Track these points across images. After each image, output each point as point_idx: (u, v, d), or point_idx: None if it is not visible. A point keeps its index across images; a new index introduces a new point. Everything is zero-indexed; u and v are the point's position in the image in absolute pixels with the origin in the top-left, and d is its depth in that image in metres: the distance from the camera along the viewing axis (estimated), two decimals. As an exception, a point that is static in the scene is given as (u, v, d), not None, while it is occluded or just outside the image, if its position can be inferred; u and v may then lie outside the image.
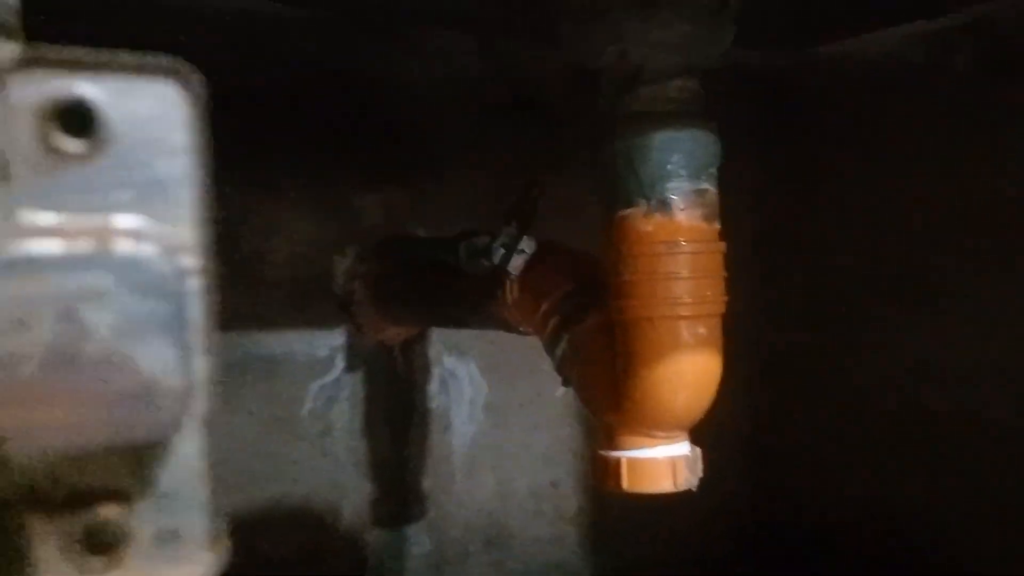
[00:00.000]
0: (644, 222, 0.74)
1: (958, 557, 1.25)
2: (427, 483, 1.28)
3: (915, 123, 1.27)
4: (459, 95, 1.24)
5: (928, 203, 1.26)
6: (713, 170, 0.76)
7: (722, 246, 0.77)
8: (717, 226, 0.77)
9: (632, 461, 0.76)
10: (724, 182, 1.50)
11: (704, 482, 1.47)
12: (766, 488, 1.52)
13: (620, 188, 0.76)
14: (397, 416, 1.26)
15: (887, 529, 1.34)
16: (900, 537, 1.32)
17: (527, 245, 0.87)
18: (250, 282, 1.15)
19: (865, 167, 1.34)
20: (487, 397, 1.32)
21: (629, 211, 0.75)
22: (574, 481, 1.37)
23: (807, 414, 1.45)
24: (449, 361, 1.30)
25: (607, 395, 0.78)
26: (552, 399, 1.33)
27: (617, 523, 1.42)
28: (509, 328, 0.97)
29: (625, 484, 0.76)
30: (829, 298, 1.41)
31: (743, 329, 1.52)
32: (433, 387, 1.29)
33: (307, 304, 1.19)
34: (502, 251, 0.88)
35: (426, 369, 1.28)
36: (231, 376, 1.14)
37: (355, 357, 1.23)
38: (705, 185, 0.75)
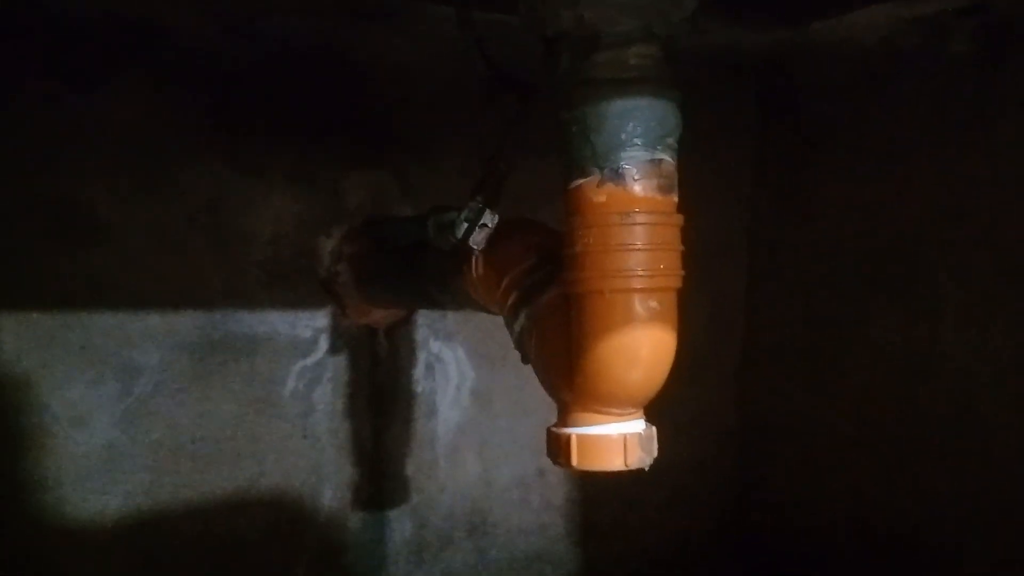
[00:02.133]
0: (597, 192, 0.72)
1: (951, 554, 1.21)
2: (410, 468, 1.27)
3: (912, 112, 1.23)
4: (446, 75, 1.23)
5: (924, 195, 1.22)
6: (671, 140, 0.74)
7: (679, 219, 0.74)
8: (674, 198, 0.74)
9: (583, 438, 0.74)
10: (718, 172, 1.48)
11: (689, 474, 1.45)
12: (751, 483, 1.49)
13: (575, 157, 0.73)
14: (381, 399, 1.25)
15: (877, 527, 1.30)
16: (891, 536, 1.28)
17: (489, 219, 0.86)
18: (233, 262, 1.15)
19: (862, 158, 1.30)
20: (473, 382, 1.31)
21: (583, 181, 0.73)
22: (561, 470, 1.34)
23: (795, 410, 1.41)
24: (435, 345, 1.29)
25: (562, 371, 0.76)
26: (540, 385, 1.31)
27: (603, 513, 1.39)
28: (479, 307, 0.96)
29: (575, 461, 0.74)
30: (822, 293, 1.37)
31: (733, 321, 1.51)
32: (418, 371, 1.28)
33: (291, 285, 1.19)
34: (465, 225, 0.87)
35: (412, 353, 1.27)
36: (212, 355, 1.14)
37: (339, 339, 1.22)
38: (662, 155, 0.73)
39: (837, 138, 1.33)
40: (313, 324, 1.20)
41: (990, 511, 1.15)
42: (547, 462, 0.78)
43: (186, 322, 1.12)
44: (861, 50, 1.20)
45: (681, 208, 0.75)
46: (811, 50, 1.23)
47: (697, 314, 1.43)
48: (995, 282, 1.14)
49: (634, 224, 0.72)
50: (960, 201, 1.17)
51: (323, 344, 1.21)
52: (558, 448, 0.76)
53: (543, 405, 1.36)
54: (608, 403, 0.74)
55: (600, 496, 1.38)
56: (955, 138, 1.17)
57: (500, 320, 0.94)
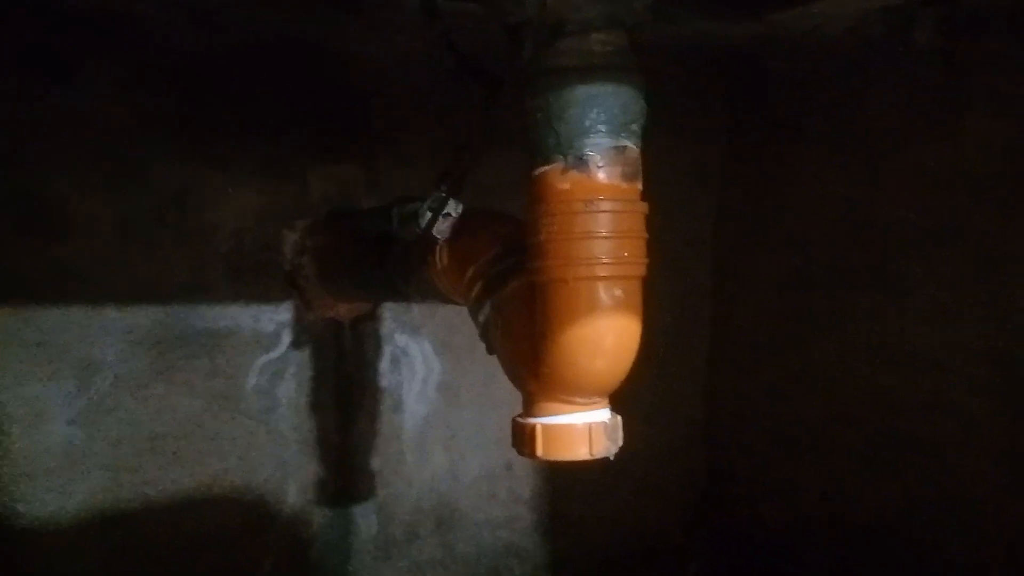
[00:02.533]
0: (561, 179, 0.72)
1: (925, 545, 1.22)
2: (376, 462, 1.26)
3: (880, 103, 1.24)
4: (415, 67, 1.21)
5: (893, 187, 1.23)
6: (636, 127, 0.73)
7: (643, 206, 0.74)
8: (638, 185, 0.74)
9: (547, 427, 0.74)
10: (688, 164, 1.48)
11: (657, 466, 1.46)
12: (721, 474, 1.50)
13: (539, 145, 0.73)
14: (346, 394, 1.24)
15: (849, 518, 1.31)
16: (863, 527, 1.29)
17: (454, 208, 0.85)
18: (195, 255, 1.13)
19: (832, 149, 1.31)
20: (440, 376, 1.30)
21: (547, 168, 0.72)
22: (529, 463, 1.34)
23: (766, 402, 1.42)
24: (401, 339, 1.28)
25: (526, 361, 0.76)
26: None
27: (571, 506, 1.39)
28: (445, 298, 0.95)
29: (540, 451, 0.74)
30: (792, 284, 1.37)
31: (701, 312, 1.52)
32: (384, 365, 1.27)
33: (254, 278, 1.17)
34: (429, 215, 0.86)
35: (377, 347, 1.26)
36: (173, 350, 1.12)
37: (303, 333, 1.21)
38: (626, 142, 0.72)
39: (807, 130, 1.34)
40: (276, 318, 1.19)
41: (963, 501, 1.16)
42: (515, 455, 0.78)
43: (147, 317, 1.10)
44: (829, 41, 1.21)
45: (647, 197, 0.75)
46: (779, 41, 1.24)
47: (665, 304, 1.44)
48: (963, 273, 1.15)
49: (598, 212, 0.71)
50: (929, 192, 1.18)
51: (286, 338, 1.20)
52: (523, 438, 0.76)
53: (511, 397, 1.35)
54: (573, 392, 0.74)
55: (568, 488, 1.38)
56: (923, 129, 1.18)
57: (467, 312, 0.94)
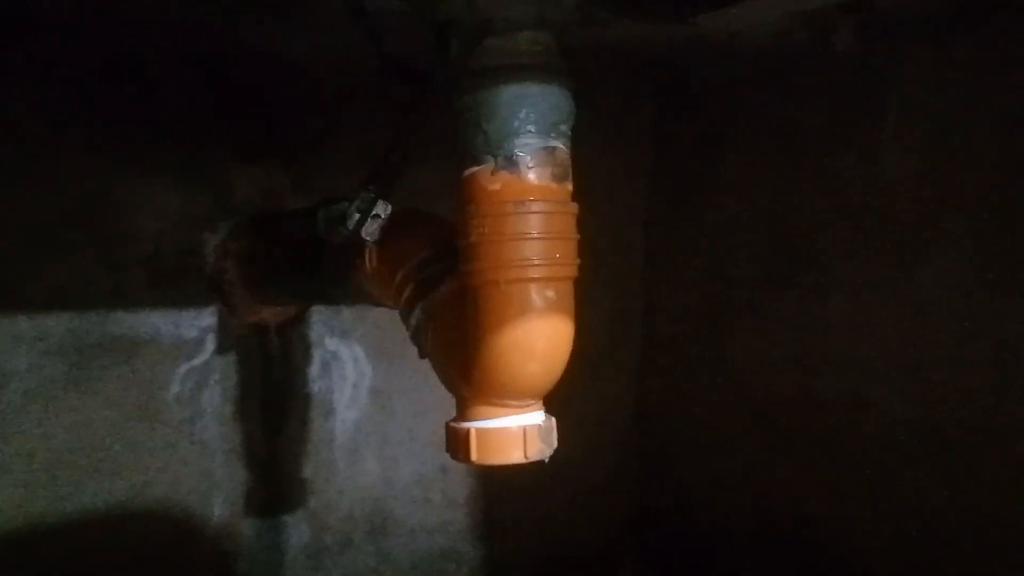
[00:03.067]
0: (491, 180, 0.71)
1: (852, 544, 1.24)
2: (307, 470, 1.23)
3: (803, 107, 1.26)
4: (340, 66, 1.19)
5: (812, 189, 1.25)
6: (565, 128, 0.73)
7: (574, 207, 0.73)
8: (569, 186, 0.73)
9: (481, 431, 0.73)
10: (618, 168, 1.48)
11: (591, 467, 1.46)
12: (653, 477, 1.51)
13: (468, 145, 0.72)
14: (274, 401, 1.21)
15: (772, 513, 1.33)
16: (787, 523, 1.32)
17: (382, 210, 0.83)
18: (112, 259, 1.08)
19: (756, 152, 1.33)
20: (371, 380, 1.28)
21: (476, 169, 0.71)
22: (463, 466, 1.32)
23: (694, 399, 1.43)
24: (331, 343, 1.25)
25: (459, 365, 0.75)
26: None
27: (507, 509, 1.39)
28: (375, 302, 0.93)
29: (474, 455, 0.73)
30: (716, 285, 1.39)
31: (632, 313, 1.53)
32: (314, 370, 1.24)
33: (174, 283, 1.13)
34: (357, 216, 0.84)
35: (306, 351, 1.23)
36: (89, 359, 1.07)
37: (227, 338, 1.17)
38: (556, 143, 0.72)
39: (733, 132, 1.36)
40: (199, 323, 1.15)
41: (884, 502, 1.19)
42: (449, 459, 0.77)
43: (60, 324, 1.05)
44: (755, 46, 1.23)
45: (578, 199, 0.74)
46: (706, 47, 1.25)
47: (598, 307, 1.45)
48: (881, 274, 1.18)
49: (529, 213, 0.71)
50: (847, 195, 1.21)
51: (210, 344, 1.16)
52: (457, 443, 0.74)
53: (444, 402, 1.34)
54: (506, 396, 0.73)
55: (503, 492, 1.37)
56: (845, 133, 1.21)
57: (398, 316, 0.92)
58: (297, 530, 1.22)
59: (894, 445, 1.18)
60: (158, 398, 1.12)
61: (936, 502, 1.13)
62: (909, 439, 1.16)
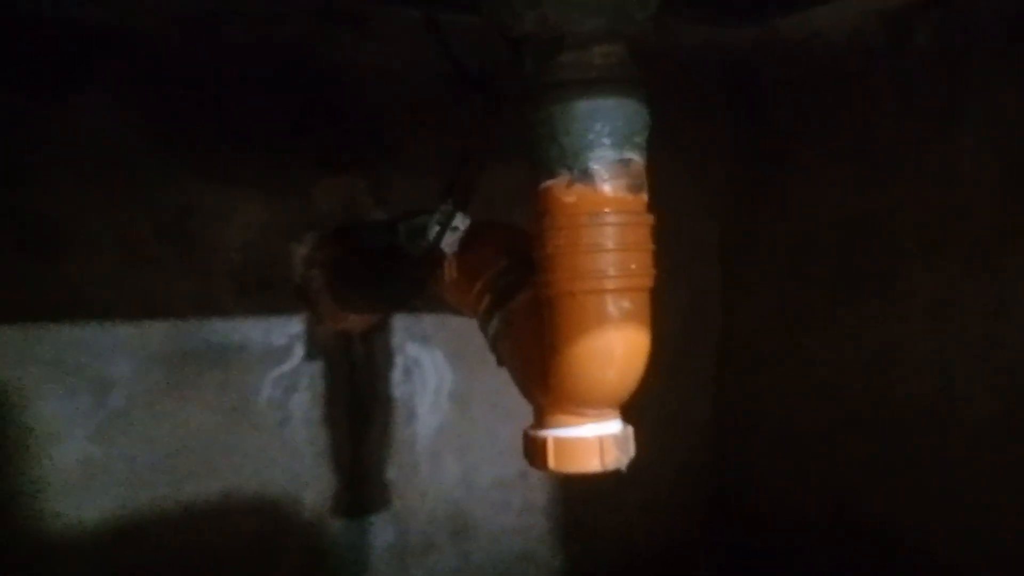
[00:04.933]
0: (567, 193, 0.72)
1: (929, 543, 1.21)
2: (390, 473, 1.27)
3: (880, 108, 1.23)
4: (417, 78, 1.22)
5: (892, 192, 1.22)
6: (640, 140, 0.73)
7: (650, 218, 0.74)
8: (644, 197, 0.74)
9: (559, 440, 0.74)
10: (693, 173, 1.47)
11: (668, 473, 1.45)
12: (730, 480, 1.49)
13: (543, 159, 0.73)
14: (359, 405, 1.24)
15: (856, 521, 1.31)
16: (868, 524, 1.29)
17: (460, 222, 0.85)
18: (203, 270, 1.14)
19: (832, 154, 1.31)
20: (452, 385, 1.30)
21: (552, 182, 0.72)
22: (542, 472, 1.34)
23: (771, 403, 1.42)
24: (413, 349, 1.28)
25: (536, 374, 0.76)
26: (518, 387, 1.31)
27: (585, 514, 1.39)
28: (454, 310, 0.95)
29: (552, 463, 0.74)
30: (793, 288, 1.37)
31: (708, 319, 1.51)
32: (396, 376, 1.27)
33: (263, 292, 1.18)
34: (436, 229, 0.86)
35: (389, 358, 1.27)
36: (185, 365, 1.13)
37: (314, 345, 1.21)
38: (630, 155, 0.72)
39: (807, 135, 1.33)
40: (288, 331, 1.19)
41: (969, 502, 1.16)
42: (528, 464, 0.78)
43: (158, 333, 1.11)
44: (830, 47, 1.20)
45: (653, 207, 0.75)
46: (780, 48, 1.23)
47: (673, 313, 1.43)
48: (964, 274, 1.14)
49: (604, 224, 0.71)
50: (927, 196, 1.17)
51: (298, 351, 1.20)
52: (535, 451, 0.76)
53: (523, 407, 1.35)
54: (583, 404, 0.74)
55: (582, 496, 1.38)
56: (922, 134, 1.17)
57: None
58: (382, 531, 1.26)
59: (978, 445, 1.14)
60: (250, 403, 1.17)
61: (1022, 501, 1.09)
62: (994, 439, 1.12)
